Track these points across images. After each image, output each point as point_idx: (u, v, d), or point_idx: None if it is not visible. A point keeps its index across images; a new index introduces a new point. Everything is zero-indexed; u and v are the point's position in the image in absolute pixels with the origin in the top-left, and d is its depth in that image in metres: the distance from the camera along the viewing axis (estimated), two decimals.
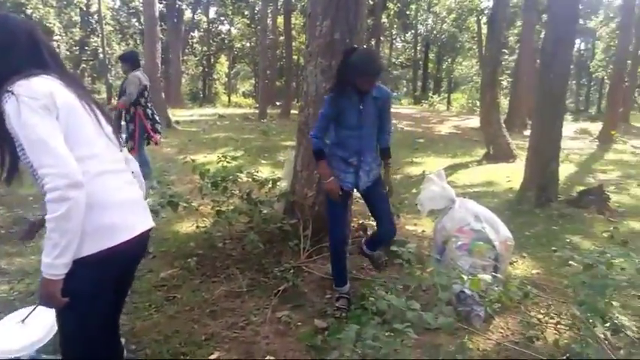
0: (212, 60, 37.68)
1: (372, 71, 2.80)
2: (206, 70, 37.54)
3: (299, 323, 2.94)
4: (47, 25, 31.23)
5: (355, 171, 3.03)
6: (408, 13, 23.40)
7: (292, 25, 21.52)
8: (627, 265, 2.40)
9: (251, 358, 2.57)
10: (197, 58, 38.29)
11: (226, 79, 42.84)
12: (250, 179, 4.36)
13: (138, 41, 34.64)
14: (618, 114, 15.03)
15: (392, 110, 3.21)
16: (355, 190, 3.17)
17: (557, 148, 6.28)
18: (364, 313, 2.83)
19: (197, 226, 4.48)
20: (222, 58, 40.25)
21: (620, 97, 15.18)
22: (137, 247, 1.74)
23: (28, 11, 30.33)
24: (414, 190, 6.55)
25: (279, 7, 24.82)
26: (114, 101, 7.91)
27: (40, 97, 1.48)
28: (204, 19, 35.97)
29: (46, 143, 1.44)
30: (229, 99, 37.06)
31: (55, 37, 31.81)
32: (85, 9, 32.98)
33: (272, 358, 2.57)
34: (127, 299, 3.12)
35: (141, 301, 3.18)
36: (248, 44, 36.65)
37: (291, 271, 3.54)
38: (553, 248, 4.40)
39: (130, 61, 6.25)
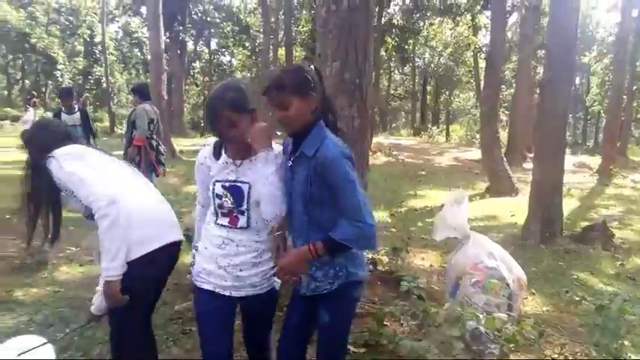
0: None
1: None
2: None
3: None
4: (51, 54, 31.83)
5: None
6: (405, 47, 23.93)
7: (293, 57, 21.99)
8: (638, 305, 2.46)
9: None
10: (199, 88, 38.82)
11: None
12: None
13: (140, 71, 35.22)
14: (615, 148, 15.24)
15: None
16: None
17: (560, 183, 6.39)
18: (377, 353, 2.87)
19: None
20: None
21: (617, 131, 15.45)
22: (168, 254, 2.16)
23: (33, 41, 30.97)
24: (419, 224, 6.62)
25: (280, 40, 25.40)
26: (118, 130, 8.15)
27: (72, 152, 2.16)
28: (206, 50, 36.65)
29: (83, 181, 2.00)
30: None
31: (59, 67, 32.37)
32: (89, 39, 33.58)
33: None
34: None
35: (157, 333, 3.20)
36: (249, 74, 37.25)
37: None
38: (565, 289, 4.42)
39: (140, 93, 6.28)
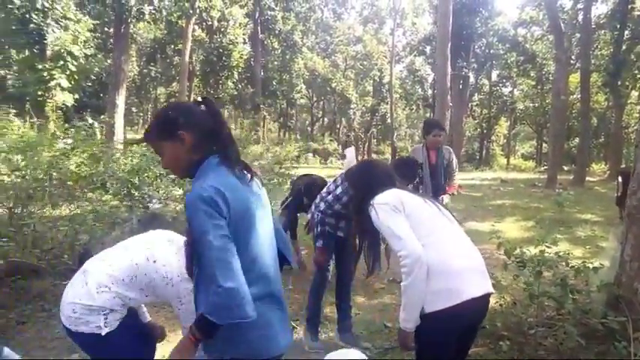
0: (491, 122, 37.34)
1: None
2: (484, 131, 37.35)
3: None
4: (347, 95, 36.44)
5: None
6: None
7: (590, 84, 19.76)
8: None
9: None
10: (476, 121, 38.51)
11: (504, 140, 41.71)
12: (564, 264, 4.03)
13: (420, 106, 37.07)
14: None
15: None
16: None
17: None
18: None
19: (500, 305, 4.35)
20: (502, 120, 39.50)
21: None
22: (473, 310, 2.05)
23: (333, 84, 36.06)
24: None
25: (572, 66, 23.19)
26: None
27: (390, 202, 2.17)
28: (487, 82, 36.19)
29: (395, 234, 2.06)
30: (508, 161, 35.84)
31: (352, 106, 36.76)
32: (378, 80, 37.18)
33: None
34: None
35: None
36: (531, 105, 35.11)
37: None
38: None
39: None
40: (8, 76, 24.69)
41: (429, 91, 34.02)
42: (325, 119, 44.19)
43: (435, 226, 2.18)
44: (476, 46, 28.39)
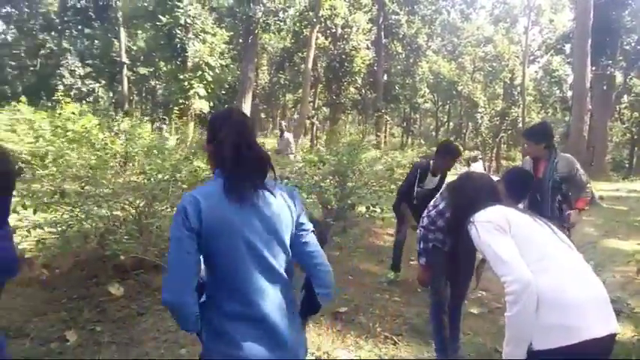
0: None
1: None
2: (635, 137, 33.11)
3: None
4: (474, 99, 34.82)
5: None
6: None
7: None
8: None
9: None
10: (624, 126, 34.31)
11: None
12: None
13: (557, 109, 34.11)
14: None
15: None
16: None
17: None
18: None
19: (639, 339, 3.75)
20: None
21: None
22: (593, 352, 1.71)
23: (459, 88, 34.71)
24: None
25: None
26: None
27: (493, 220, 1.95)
28: (638, 82, 32.08)
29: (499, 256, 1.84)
30: None
31: (480, 110, 34.99)
32: (509, 82, 34.98)
33: None
34: None
35: None
36: None
37: None
38: None
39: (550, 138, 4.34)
40: (157, 86, 27.80)
41: (569, 93, 31.11)
42: (451, 124, 42.67)
43: (547, 250, 1.90)
44: (624, 43, 25.23)
